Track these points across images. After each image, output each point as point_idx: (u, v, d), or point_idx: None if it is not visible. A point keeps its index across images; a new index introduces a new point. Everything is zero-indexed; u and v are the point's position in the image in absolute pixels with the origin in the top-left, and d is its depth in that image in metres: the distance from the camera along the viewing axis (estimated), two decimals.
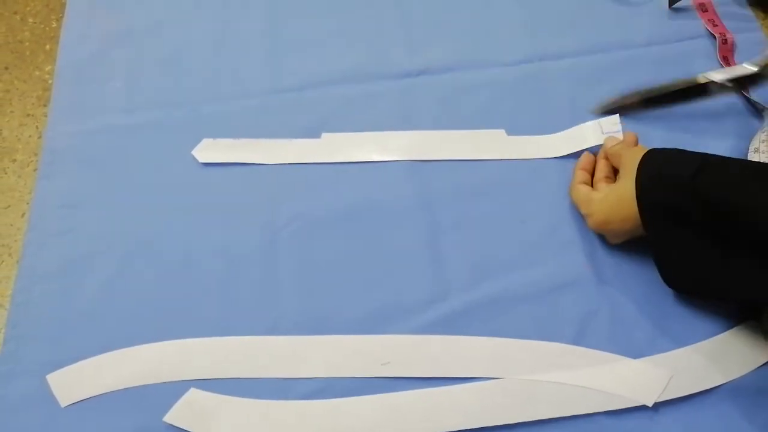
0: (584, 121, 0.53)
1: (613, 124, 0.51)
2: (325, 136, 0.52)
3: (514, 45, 0.58)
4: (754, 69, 0.48)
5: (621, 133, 0.50)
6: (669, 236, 0.41)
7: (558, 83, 0.55)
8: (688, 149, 0.42)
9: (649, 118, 0.52)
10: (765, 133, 0.49)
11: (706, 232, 0.39)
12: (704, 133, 0.52)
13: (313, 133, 0.53)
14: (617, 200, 0.43)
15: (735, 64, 0.55)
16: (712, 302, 0.44)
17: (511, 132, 0.53)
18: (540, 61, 0.57)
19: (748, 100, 0.53)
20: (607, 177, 0.47)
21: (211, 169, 0.52)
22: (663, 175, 0.41)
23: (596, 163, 0.49)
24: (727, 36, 0.56)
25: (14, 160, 0.54)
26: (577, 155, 0.51)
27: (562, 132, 0.52)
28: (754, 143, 0.49)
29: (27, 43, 0.61)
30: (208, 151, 0.52)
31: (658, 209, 0.41)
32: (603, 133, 0.51)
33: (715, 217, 0.38)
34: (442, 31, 0.59)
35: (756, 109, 0.53)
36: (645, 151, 0.43)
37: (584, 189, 0.47)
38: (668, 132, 0.52)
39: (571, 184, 0.49)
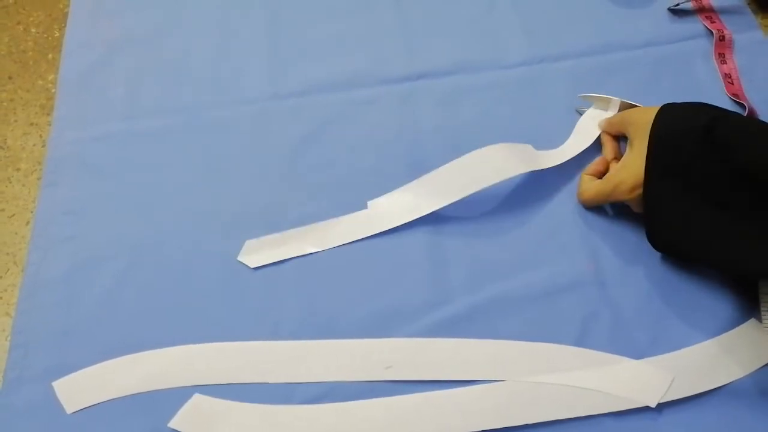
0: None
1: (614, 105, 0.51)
2: (372, 204, 0.49)
3: (514, 47, 0.58)
4: None
5: None
6: (671, 190, 0.40)
7: (558, 85, 0.56)
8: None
9: None
10: None
11: (714, 189, 0.39)
12: None
13: (314, 138, 0.54)
14: (642, 160, 0.42)
15: (732, 61, 0.55)
16: (712, 300, 0.44)
17: (511, 134, 0.53)
18: (539, 63, 0.57)
19: (733, 100, 0.53)
20: (615, 159, 0.47)
21: (213, 175, 0.52)
22: (679, 126, 0.41)
23: (603, 148, 0.49)
24: (725, 33, 0.56)
25: (18, 169, 0.55)
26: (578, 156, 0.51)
27: (569, 139, 0.52)
28: None
29: (30, 53, 0.61)
30: (254, 254, 0.48)
31: (668, 159, 0.40)
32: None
33: (727, 166, 0.38)
34: (441, 35, 0.59)
35: (740, 106, 0.53)
36: (655, 109, 0.43)
37: (595, 180, 0.47)
38: None
39: (579, 191, 0.49)
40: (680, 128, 0.41)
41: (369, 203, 0.50)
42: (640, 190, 0.43)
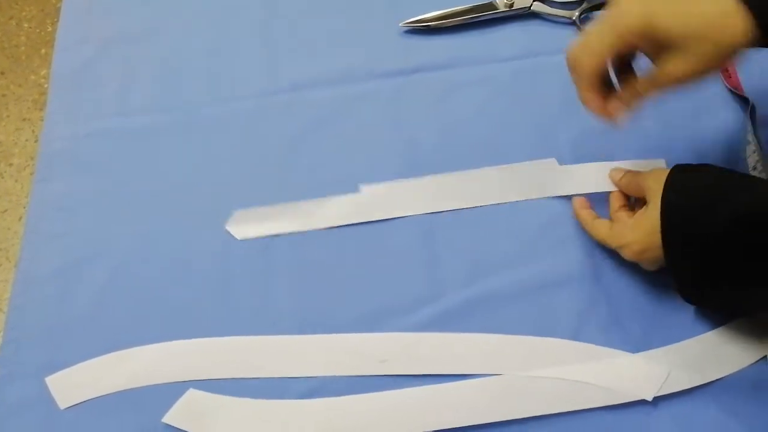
0: (581, 117, 0.52)
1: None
2: (364, 189, 0.49)
3: (508, 41, 0.58)
4: None
5: None
6: (693, 258, 0.39)
7: (553, 79, 0.55)
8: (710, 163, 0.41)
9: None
10: (755, 153, 0.48)
11: (739, 255, 0.37)
12: (695, 134, 0.51)
13: (309, 133, 0.53)
14: (653, 226, 0.40)
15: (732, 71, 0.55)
16: None
17: (506, 129, 0.52)
18: (535, 57, 0.56)
19: (732, 92, 0.53)
20: (624, 206, 0.45)
21: (207, 171, 0.52)
22: (689, 192, 0.39)
23: (610, 196, 0.46)
24: None
25: (11, 164, 0.54)
26: None
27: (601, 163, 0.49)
28: (750, 162, 0.49)
29: (23, 48, 0.61)
30: (242, 224, 0.48)
31: (684, 229, 0.38)
32: None
33: (744, 231, 0.36)
34: (435, 29, 0.58)
35: (740, 98, 0.52)
36: (667, 172, 0.40)
37: (605, 223, 0.44)
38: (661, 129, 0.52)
39: (585, 226, 0.46)
40: (689, 200, 0.39)
41: (362, 187, 0.49)
42: (648, 254, 0.41)
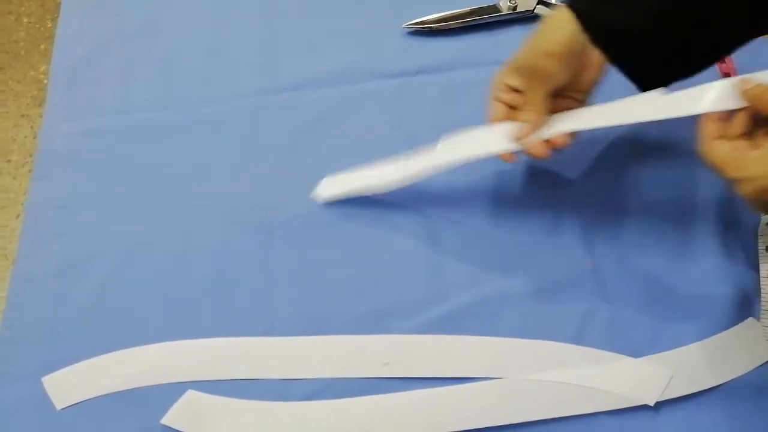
0: None
1: None
2: (441, 143, 0.47)
3: (511, 44, 0.57)
4: None
5: None
6: None
7: None
8: None
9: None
10: None
11: None
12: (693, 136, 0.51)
13: (308, 133, 0.53)
14: None
15: (730, 60, 0.55)
16: (710, 299, 0.44)
17: None
18: None
19: None
20: (745, 134, 0.37)
21: (206, 170, 0.52)
22: None
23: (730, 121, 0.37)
24: None
25: (9, 161, 0.54)
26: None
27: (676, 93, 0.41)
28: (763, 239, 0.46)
29: (22, 44, 0.61)
30: (328, 189, 0.49)
31: None
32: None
33: None
34: (437, 30, 0.58)
35: None
36: None
37: (726, 146, 0.36)
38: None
39: (702, 141, 0.38)
40: None
41: (439, 142, 0.47)
42: None
